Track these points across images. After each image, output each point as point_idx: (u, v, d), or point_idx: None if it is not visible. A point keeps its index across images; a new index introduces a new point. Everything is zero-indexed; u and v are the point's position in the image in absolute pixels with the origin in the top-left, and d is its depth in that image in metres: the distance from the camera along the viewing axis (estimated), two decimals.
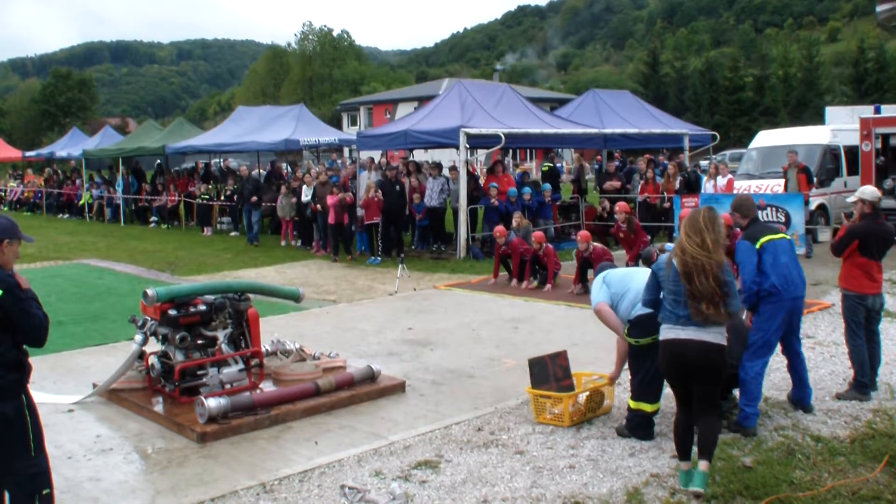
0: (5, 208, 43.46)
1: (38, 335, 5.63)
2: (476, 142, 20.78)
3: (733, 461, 7.37)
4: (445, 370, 10.92)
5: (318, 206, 21.66)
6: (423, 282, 17.51)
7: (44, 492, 5.78)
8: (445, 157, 25.70)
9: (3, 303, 5.48)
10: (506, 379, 10.49)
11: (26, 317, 5.54)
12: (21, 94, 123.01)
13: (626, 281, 8.37)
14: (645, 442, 8.00)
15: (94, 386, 10.20)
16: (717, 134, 29.06)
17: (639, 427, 8.12)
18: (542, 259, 16.44)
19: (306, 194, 22.62)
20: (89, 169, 38.82)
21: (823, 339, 11.89)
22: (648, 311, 7.66)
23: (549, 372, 8.93)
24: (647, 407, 8.06)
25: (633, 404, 8.12)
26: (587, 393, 8.86)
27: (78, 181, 38.79)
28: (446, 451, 8.02)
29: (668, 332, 6.99)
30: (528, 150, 50.33)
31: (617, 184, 23.42)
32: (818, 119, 35.36)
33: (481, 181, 23.22)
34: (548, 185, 22.80)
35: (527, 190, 21.65)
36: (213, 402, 8.70)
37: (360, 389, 9.83)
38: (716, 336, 6.83)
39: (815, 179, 20.94)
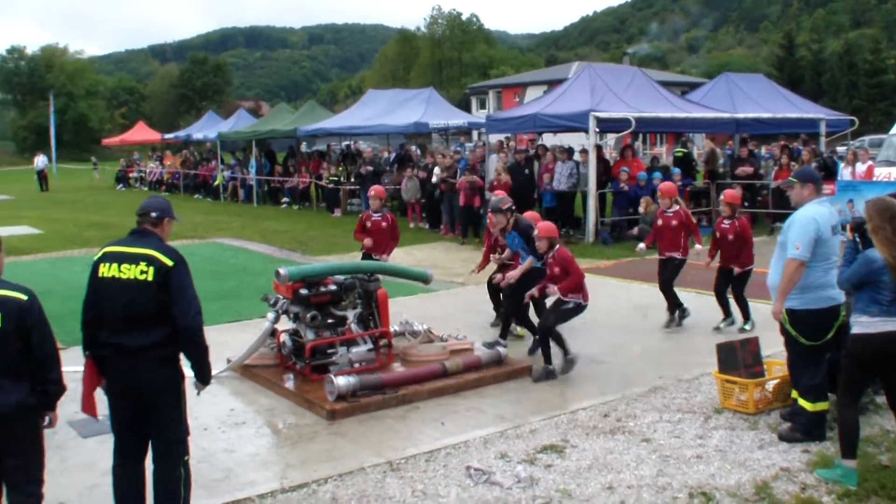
0: (145, 188, 44.87)
1: (194, 316, 5.87)
2: (606, 126, 20.60)
3: (869, 459, 7.16)
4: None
5: (445, 188, 21.80)
6: None
7: (185, 458, 6.04)
8: (575, 141, 25.50)
9: (170, 275, 5.73)
10: (633, 366, 10.41)
11: (183, 294, 5.79)
12: (160, 79, 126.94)
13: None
14: (773, 435, 7.83)
15: (228, 361, 10.47)
16: (855, 119, 28.07)
17: (817, 427, 7.72)
18: None
19: (437, 176, 22.70)
20: (224, 151, 39.76)
21: None
22: (825, 304, 7.52)
23: (738, 358, 8.77)
24: (826, 406, 7.73)
25: (811, 406, 7.63)
26: (776, 381, 8.62)
27: (213, 163, 39.76)
28: (572, 436, 8.00)
29: (878, 326, 6.73)
30: (658, 135, 49.65)
31: (749, 169, 22.85)
32: None
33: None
34: (677, 170, 22.44)
35: (657, 175, 21.37)
36: (342, 381, 8.85)
37: (487, 372, 9.87)
38: None
39: None
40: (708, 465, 7.20)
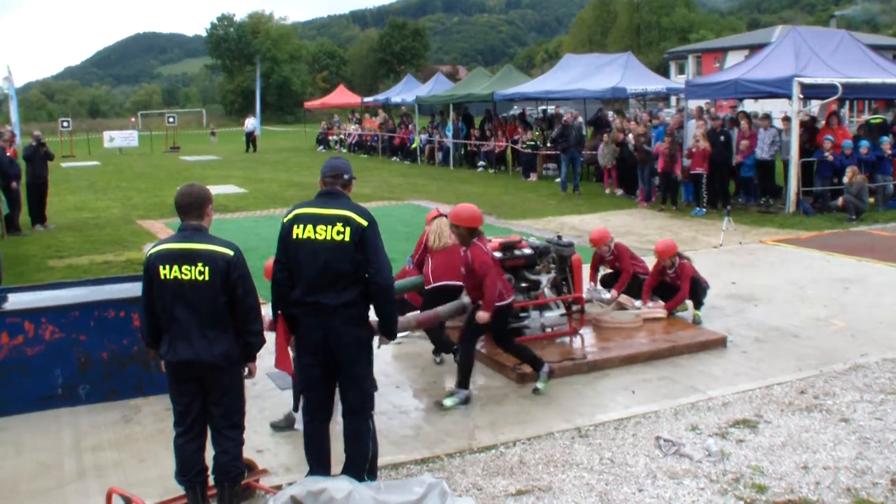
0: (344, 150, 45.98)
1: (387, 274, 6.02)
2: (810, 92, 19.85)
3: None
4: (769, 328, 10.60)
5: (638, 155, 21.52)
6: (748, 235, 17.02)
7: (372, 412, 6.24)
8: (776, 107, 24.64)
9: (365, 235, 5.93)
10: (833, 341, 10.05)
11: (377, 253, 5.97)
12: (361, 43, 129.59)
13: None
14: None
15: None
16: None
17: None
18: None
19: (631, 142, 22.44)
20: (421, 114, 40.26)
21: None
22: None
23: None
24: None
25: None
26: None
27: (410, 126, 40.37)
28: (766, 411, 7.82)
29: None
30: (866, 102, 47.43)
31: None
32: None
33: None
34: (865, 143, 21.35)
35: (864, 143, 20.46)
36: None
37: (680, 341, 9.75)
38: None
39: None
40: None
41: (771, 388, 8.48)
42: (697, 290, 10.88)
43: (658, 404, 8.07)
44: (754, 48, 45.90)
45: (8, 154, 19.85)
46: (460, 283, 8.57)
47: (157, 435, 7.59)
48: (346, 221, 5.92)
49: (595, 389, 8.56)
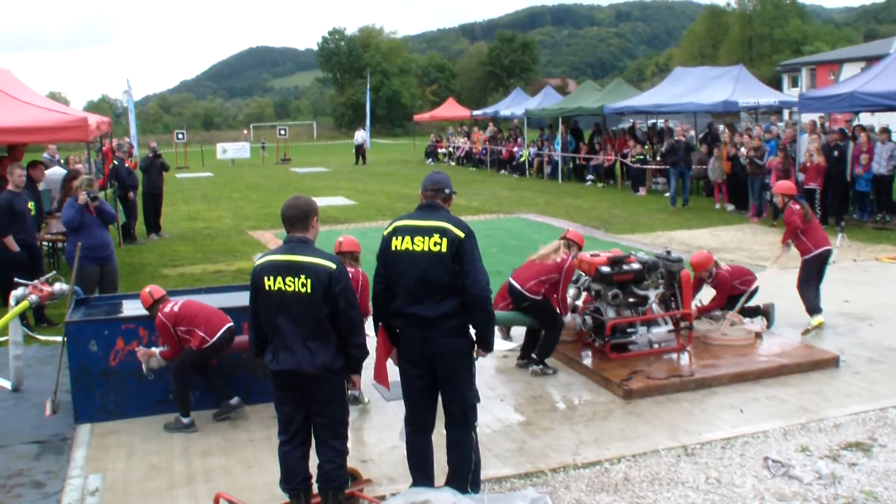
0: (452, 163, 46.18)
1: (483, 286, 5.99)
2: None
3: None
4: (884, 348, 10.30)
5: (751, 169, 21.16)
6: (863, 252, 16.59)
7: (475, 423, 6.24)
8: (894, 120, 23.98)
9: (462, 246, 5.94)
10: None
11: (473, 265, 5.96)
12: (470, 56, 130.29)
13: None
14: None
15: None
16: None
17: None
18: None
19: (743, 156, 22.09)
20: (530, 127, 40.15)
21: None
22: None
23: None
24: None
25: None
26: None
27: (519, 139, 40.35)
28: (881, 434, 7.60)
29: None
30: None
31: None
32: None
33: None
34: None
35: None
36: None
37: (791, 360, 9.55)
38: None
39: None
40: None
41: (886, 410, 8.23)
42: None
43: (767, 424, 7.91)
44: (871, 60, 44.77)
45: (126, 165, 20.51)
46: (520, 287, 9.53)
47: (263, 442, 7.73)
48: (443, 233, 5.96)
49: (702, 407, 8.44)
